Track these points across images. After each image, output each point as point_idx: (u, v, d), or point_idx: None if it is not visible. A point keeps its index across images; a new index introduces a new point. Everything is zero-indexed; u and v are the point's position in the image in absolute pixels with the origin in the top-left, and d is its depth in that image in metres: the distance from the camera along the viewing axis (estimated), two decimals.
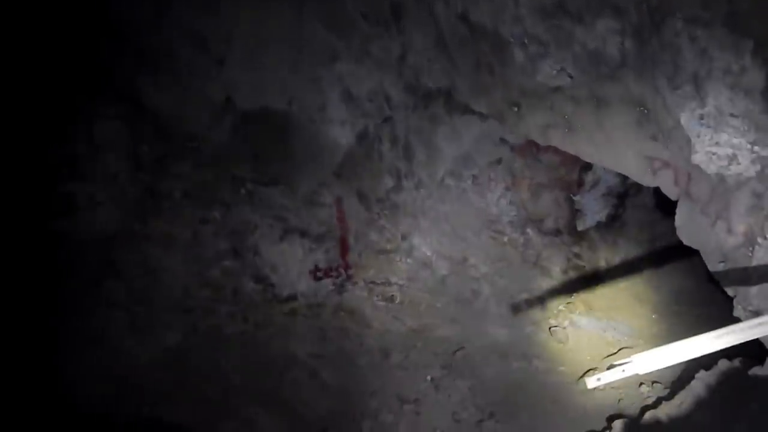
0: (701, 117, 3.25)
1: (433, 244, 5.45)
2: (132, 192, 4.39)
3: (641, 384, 4.51)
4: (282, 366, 4.66)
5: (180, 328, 4.57)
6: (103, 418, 3.93)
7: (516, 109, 4.43)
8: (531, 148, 5.60)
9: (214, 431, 4.19)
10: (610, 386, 4.44)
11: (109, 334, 4.31)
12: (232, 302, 4.79)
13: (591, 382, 2.25)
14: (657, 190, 4.14)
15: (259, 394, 4.48)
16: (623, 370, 2.21)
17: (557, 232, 6.06)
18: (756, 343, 3.45)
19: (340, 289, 5.19)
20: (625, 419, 4.11)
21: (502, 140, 5.41)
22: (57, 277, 4.12)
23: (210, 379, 4.43)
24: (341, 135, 4.84)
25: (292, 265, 5.02)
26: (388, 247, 5.38)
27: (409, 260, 5.44)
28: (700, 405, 3.84)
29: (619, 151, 3.92)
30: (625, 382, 3.09)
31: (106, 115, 4.28)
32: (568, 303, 5.76)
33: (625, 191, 6.38)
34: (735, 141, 3.19)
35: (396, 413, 4.56)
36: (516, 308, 5.56)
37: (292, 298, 5.01)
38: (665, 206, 4.83)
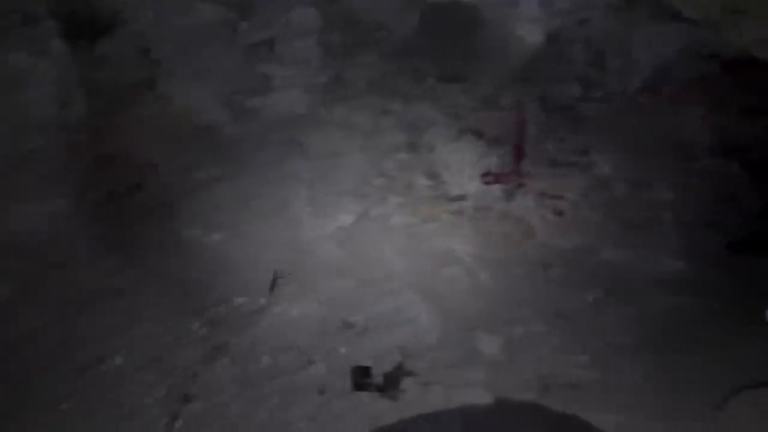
0: None
1: (613, 162, 5.13)
2: (321, 77, 4.63)
3: None
4: (441, 260, 4.81)
5: (353, 210, 4.89)
6: None
7: (736, 16, 3.89)
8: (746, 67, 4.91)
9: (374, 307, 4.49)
10: None
11: (291, 207, 4.75)
12: (402, 194, 4.98)
13: None
14: None
15: (416, 283, 4.70)
16: None
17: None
18: None
19: (509, 196, 5.13)
20: None
21: (710, 56, 4.80)
22: (246, 151, 4.56)
23: (375, 259, 4.72)
24: (530, 34, 4.62)
25: (464, 165, 5.06)
26: (566, 160, 5.18)
27: (585, 177, 5.20)
28: None
29: None
30: None
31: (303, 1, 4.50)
32: None
33: None
34: None
35: (547, 324, 4.53)
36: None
37: (461, 198, 5.08)
38: None
